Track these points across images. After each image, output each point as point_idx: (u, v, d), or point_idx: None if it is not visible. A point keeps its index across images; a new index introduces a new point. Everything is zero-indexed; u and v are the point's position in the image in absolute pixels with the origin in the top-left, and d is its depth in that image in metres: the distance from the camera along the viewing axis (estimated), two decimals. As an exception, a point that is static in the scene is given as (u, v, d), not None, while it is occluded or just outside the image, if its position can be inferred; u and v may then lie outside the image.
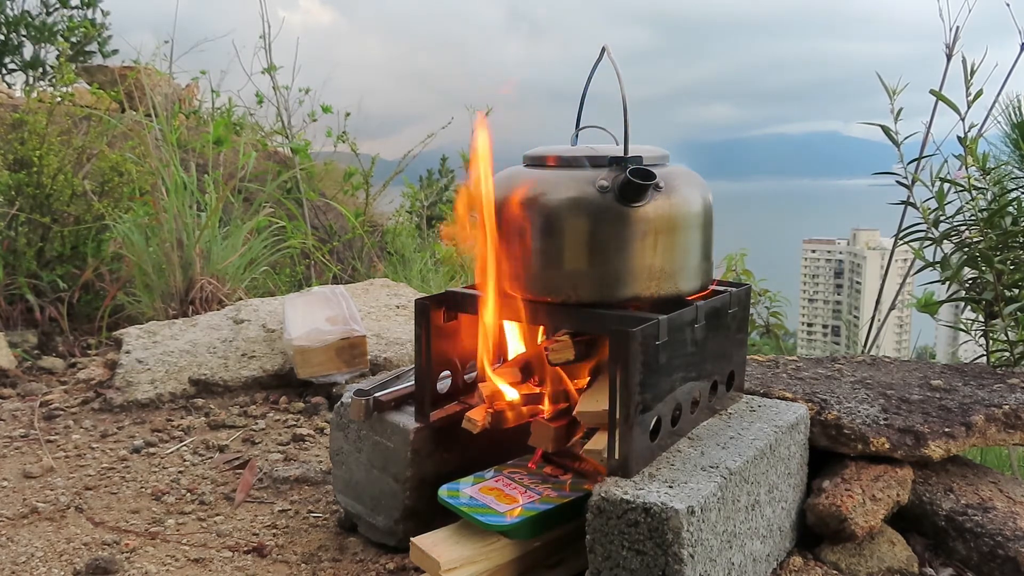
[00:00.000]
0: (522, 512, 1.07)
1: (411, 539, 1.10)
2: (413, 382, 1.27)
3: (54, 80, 3.71)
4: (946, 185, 1.94)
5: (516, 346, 1.28)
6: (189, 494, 1.53)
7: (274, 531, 1.38)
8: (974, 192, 1.88)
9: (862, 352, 2.52)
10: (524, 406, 1.19)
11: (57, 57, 3.74)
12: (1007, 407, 1.31)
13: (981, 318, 1.94)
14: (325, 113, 4.82)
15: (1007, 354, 1.91)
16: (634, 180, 1.03)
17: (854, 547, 1.20)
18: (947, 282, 1.93)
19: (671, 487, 0.98)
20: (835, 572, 1.18)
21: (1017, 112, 2.27)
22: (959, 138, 1.98)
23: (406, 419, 1.24)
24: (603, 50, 1.12)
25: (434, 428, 1.23)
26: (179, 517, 1.43)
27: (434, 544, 1.07)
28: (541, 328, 1.25)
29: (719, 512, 0.99)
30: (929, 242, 1.96)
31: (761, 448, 1.10)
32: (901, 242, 2.16)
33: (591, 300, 1.09)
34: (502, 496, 1.12)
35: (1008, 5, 2.19)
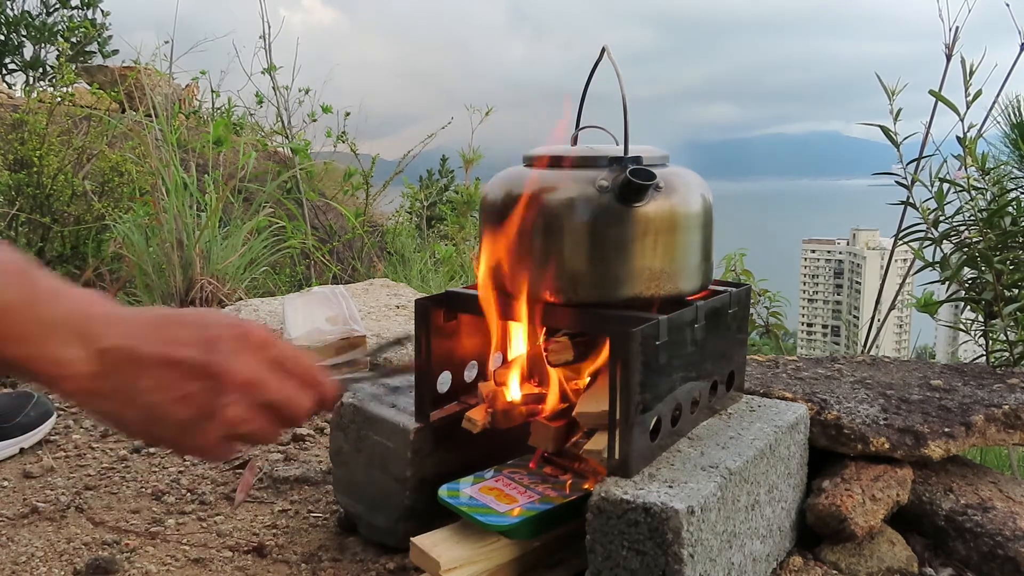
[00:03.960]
0: (522, 512, 1.07)
1: (411, 539, 1.10)
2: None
3: (54, 80, 3.71)
4: (945, 185, 1.95)
5: (516, 346, 1.28)
6: (189, 494, 1.53)
7: (274, 531, 1.38)
8: (973, 192, 1.89)
9: (862, 352, 2.52)
10: (524, 406, 1.19)
11: (57, 57, 3.75)
12: (1007, 407, 1.31)
13: (981, 318, 1.94)
14: (325, 113, 4.83)
15: (1007, 354, 1.91)
16: (634, 180, 1.03)
17: (854, 547, 1.21)
18: (947, 282, 1.93)
19: (671, 487, 0.98)
20: (835, 572, 1.18)
21: (1017, 112, 2.27)
22: (958, 138, 1.98)
23: (406, 419, 1.24)
24: (603, 50, 1.12)
25: (434, 428, 1.23)
26: (179, 517, 1.43)
27: (434, 544, 1.07)
28: (540, 328, 1.25)
29: (719, 512, 1.00)
30: (929, 242, 1.96)
31: (761, 448, 1.10)
32: (901, 242, 2.17)
33: (591, 300, 1.09)
34: (502, 496, 1.12)
35: (1008, 5, 2.20)
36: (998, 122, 2.31)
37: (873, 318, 2.59)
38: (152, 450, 1.76)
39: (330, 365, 0.80)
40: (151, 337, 0.63)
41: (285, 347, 0.69)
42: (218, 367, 0.64)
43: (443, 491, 1.14)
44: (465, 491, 1.13)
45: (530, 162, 1.17)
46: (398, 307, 2.64)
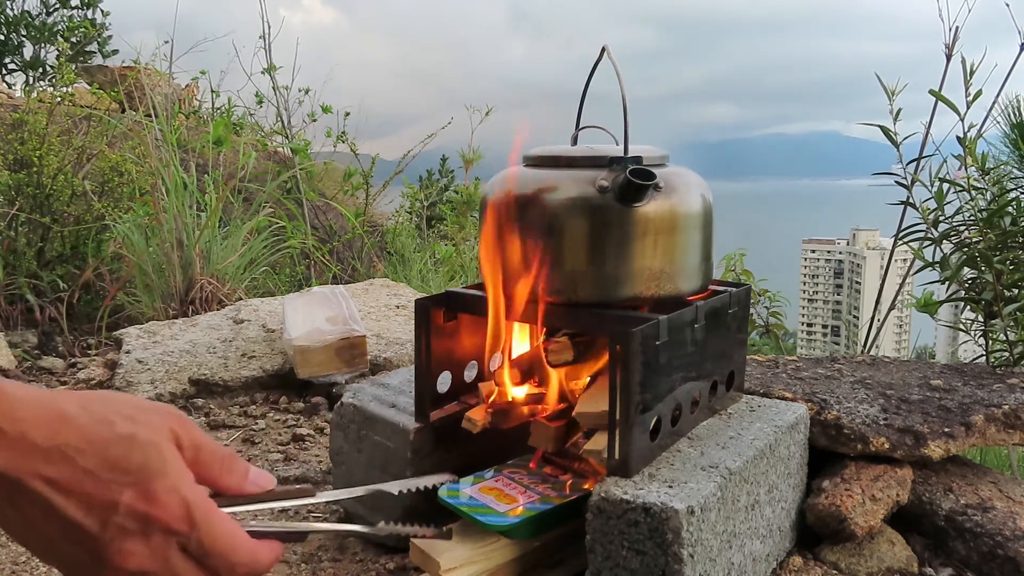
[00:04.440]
0: (522, 512, 1.07)
1: (411, 539, 1.10)
2: None
3: (54, 80, 3.71)
4: (945, 185, 1.95)
5: (517, 346, 1.28)
6: (189, 494, 1.53)
7: (274, 531, 1.38)
8: (973, 192, 1.89)
9: (862, 352, 2.52)
10: (524, 406, 1.19)
11: (57, 57, 3.75)
12: (1007, 407, 1.31)
13: (980, 318, 1.94)
14: (325, 113, 4.83)
15: (1007, 354, 1.91)
16: (634, 180, 1.03)
17: (854, 547, 1.21)
18: (947, 282, 1.93)
19: (671, 487, 0.98)
20: (835, 572, 1.18)
21: (1016, 112, 2.27)
22: (958, 138, 1.98)
23: (406, 419, 1.24)
24: (603, 50, 1.12)
25: (434, 428, 1.23)
26: (179, 517, 1.43)
27: (434, 544, 1.07)
28: (540, 328, 1.25)
29: (719, 512, 1.00)
30: (929, 242, 1.96)
31: (761, 448, 1.10)
32: (901, 242, 2.17)
33: (591, 300, 1.09)
34: (502, 496, 1.12)
35: (1008, 5, 2.20)
36: (998, 122, 2.31)
37: (873, 318, 2.59)
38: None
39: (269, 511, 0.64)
40: (42, 467, 0.50)
41: (204, 533, 0.53)
42: (103, 545, 0.52)
43: (443, 491, 1.13)
44: (465, 491, 1.13)
45: (530, 162, 1.17)
46: (398, 307, 2.64)
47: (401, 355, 2.16)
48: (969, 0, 2.26)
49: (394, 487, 0.85)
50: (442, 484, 1.00)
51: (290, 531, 0.66)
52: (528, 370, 1.22)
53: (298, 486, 0.68)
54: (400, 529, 0.77)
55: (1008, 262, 1.81)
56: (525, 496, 1.11)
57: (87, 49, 6.51)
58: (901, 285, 2.61)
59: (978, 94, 2.01)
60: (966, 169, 1.97)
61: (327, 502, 1.45)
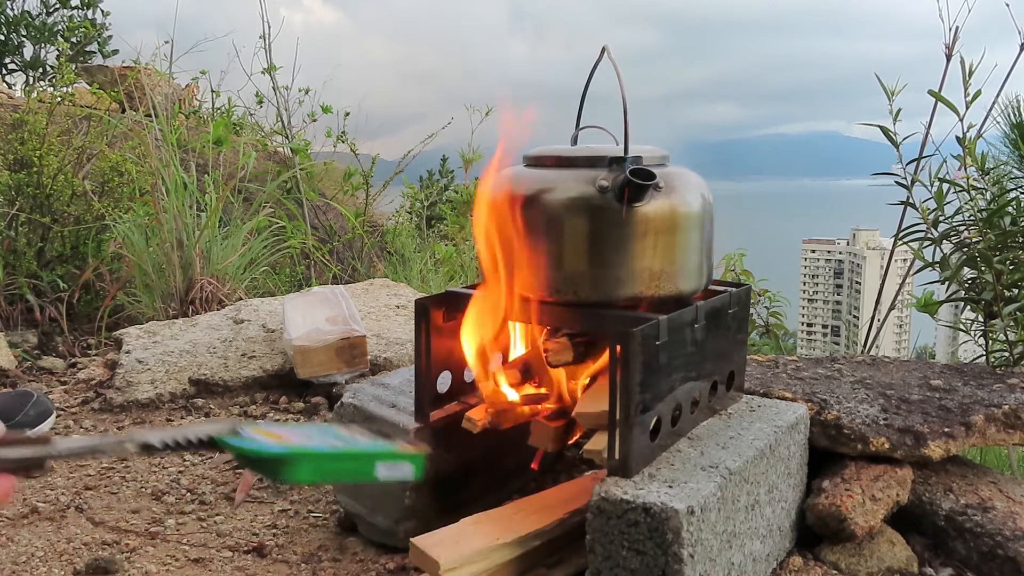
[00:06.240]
0: (295, 446, 0.91)
1: (411, 539, 1.09)
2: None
3: (54, 80, 3.71)
4: (945, 185, 1.95)
5: (517, 346, 1.28)
6: (189, 494, 1.53)
7: (274, 531, 1.38)
8: (973, 192, 1.89)
9: (862, 352, 2.52)
10: (524, 406, 1.19)
11: (57, 57, 3.75)
12: (1007, 407, 1.31)
13: (980, 318, 1.94)
14: (325, 113, 4.83)
15: (1006, 354, 1.91)
16: (634, 180, 1.03)
17: (854, 547, 1.21)
18: (946, 282, 1.93)
19: (671, 487, 0.98)
20: (835, 572, 1.18)
21: (1016, 112, 2.27)
22: (958, 138, 1.98)
23: (406, 419, 1.24)
24: (603, 50, 1.12)
25: (434, 428, 1.23)
26: (179, 517, 1.43)
27: (434, 544, 1.07)
28: (539, 328, 1.25)
29: (719, 512, 1.00)
30: (928, 242, 1.96)
31: (761, 448, 1.10)
32: (901, 242, 2.17)
33: (591, 300, 1.09)
34: (275, 436, 0.95)
35: (1008, 5, 2.20)
36: (998, 122, 2.31)
37: (873, 318, 2.59)
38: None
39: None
40: None
41: None
42: None
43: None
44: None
45: (530, 162, 1.18)
46: (398, 307, 2.64)
47: (401, 355, 2.16)
48: (969, 0, 2.25)
49: (156, 438, 0.75)
50: (217, 435, 0.88)
51: (25, 458, 0.61)
52: (528, 370, 1.22)
53: (32, 434, 0.63)
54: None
55: (1008, 262, 1.81)
56: (301, 439, 0.95)
57: (87, 49, 6.50)
58: (901, 285, 2.61)
59: (977, 94, 2.01)
60: (966, 169, 1.97)
61: (329, 501, 1.44)
